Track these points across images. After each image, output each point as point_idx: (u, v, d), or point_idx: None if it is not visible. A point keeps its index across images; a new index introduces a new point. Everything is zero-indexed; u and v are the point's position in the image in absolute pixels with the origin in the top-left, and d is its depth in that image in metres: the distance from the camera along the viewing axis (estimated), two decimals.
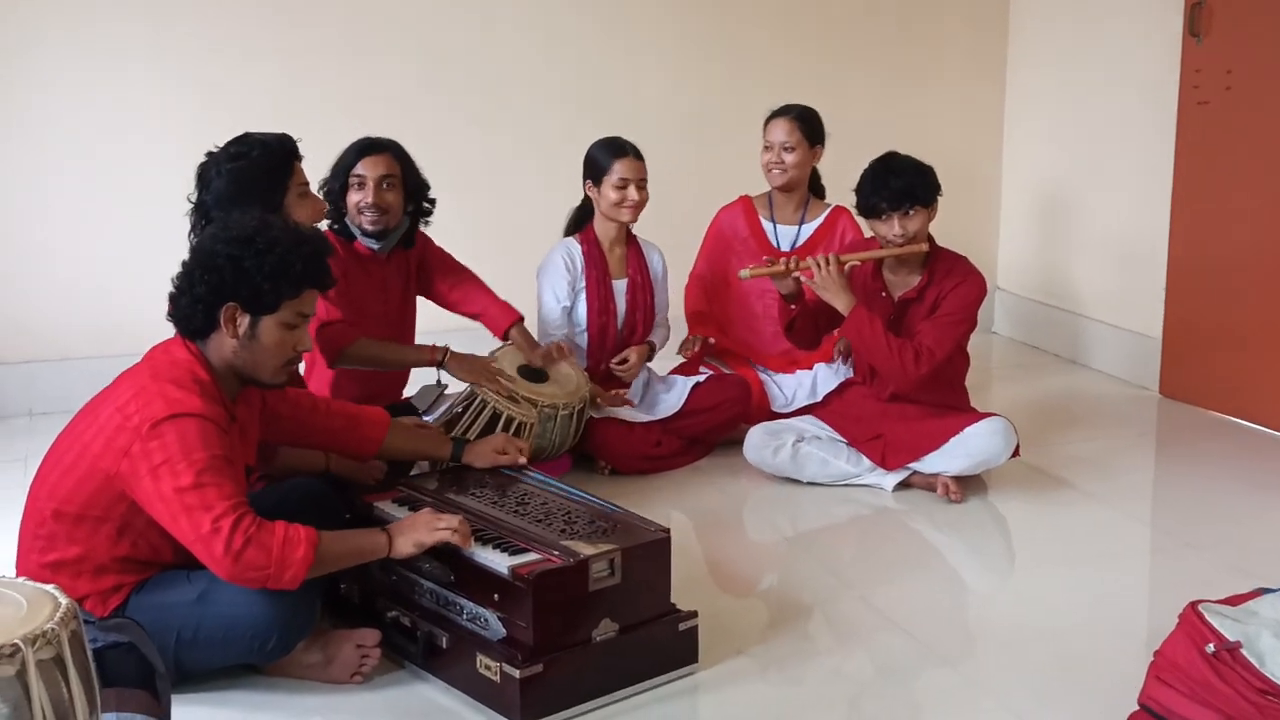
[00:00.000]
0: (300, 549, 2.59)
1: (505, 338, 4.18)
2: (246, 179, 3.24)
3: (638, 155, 4.29)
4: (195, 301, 2.70)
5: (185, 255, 2.82)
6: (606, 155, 4.28)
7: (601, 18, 5.50)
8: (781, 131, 4.58)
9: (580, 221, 4.42)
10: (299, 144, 3.38)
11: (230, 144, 3.32)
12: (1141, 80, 5.21)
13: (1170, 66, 5.00)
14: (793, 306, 4.14)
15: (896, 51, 5.91)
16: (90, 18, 4.88)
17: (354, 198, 3.86)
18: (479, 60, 5.35)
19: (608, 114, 5.27)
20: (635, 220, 4.36)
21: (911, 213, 3.93)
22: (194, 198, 3.33)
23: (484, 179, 5.36)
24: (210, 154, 3.33)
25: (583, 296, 4.37)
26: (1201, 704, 2.46)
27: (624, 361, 4.37)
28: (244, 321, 2.71)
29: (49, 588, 1.75)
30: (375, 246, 3.91)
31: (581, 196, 4.40)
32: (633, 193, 4.26)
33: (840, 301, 3.95)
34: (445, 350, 3.94)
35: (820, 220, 4.70)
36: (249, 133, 3.35)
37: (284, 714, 2.80)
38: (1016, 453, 4.04)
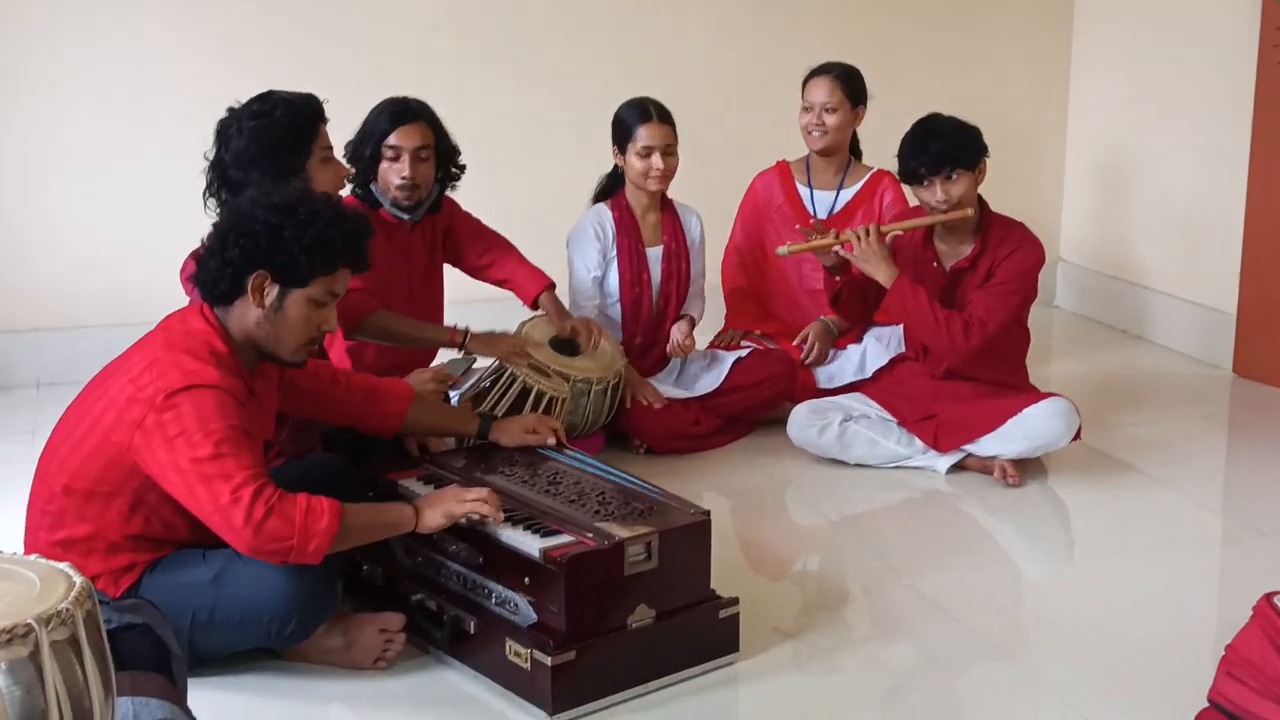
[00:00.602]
0: (324, 519, 2.61)
1: (535, 306, 4.19)
2: (268, 139, 3.25)
3: (664, 118, 4.26)
4: (225, 265, 2.72)
5: (207, 217, 2.84)
6: (630, 120, 4.26)
7: None
8: (822, 91, 4.55)
9: (610, 188, 4.41)
10: (325, 105, 3.39)
11: (253, 101, 3.33)
12: (1218, 37, 5.15)
13: (1249, 23, 4.93)
14: (838, 279, 4.13)
15: (953, 5, 5.86)
16: None
17: (387, 169, 3.83)
18: (510, 15, 5.35)
19: (646, 72, 5.24)
20: (663, 189, 4.34)
21: (954, 176, 3.90)
22: (211, 155, 3.34)
23: (515, 141, 5.36)
24: (231, 110, 3.34)
25: (614, 265, 4.37)
26: (1276, 701, 2.44)
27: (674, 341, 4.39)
28: (272, 292, 2.73)
29: (62, 566, 1.76)
30: (405, 218, 3.92)
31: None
32: (657, 161, 4.23)
33: (881, 273, 3.93)
34: (466, 331, 3.91)
35: (860, 185, 4.68)
36: (273, 90, 3.36)
37: (303, 700, 2.83)
38: (1078, 435, 4.02)
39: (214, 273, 2.75)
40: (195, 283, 2.82)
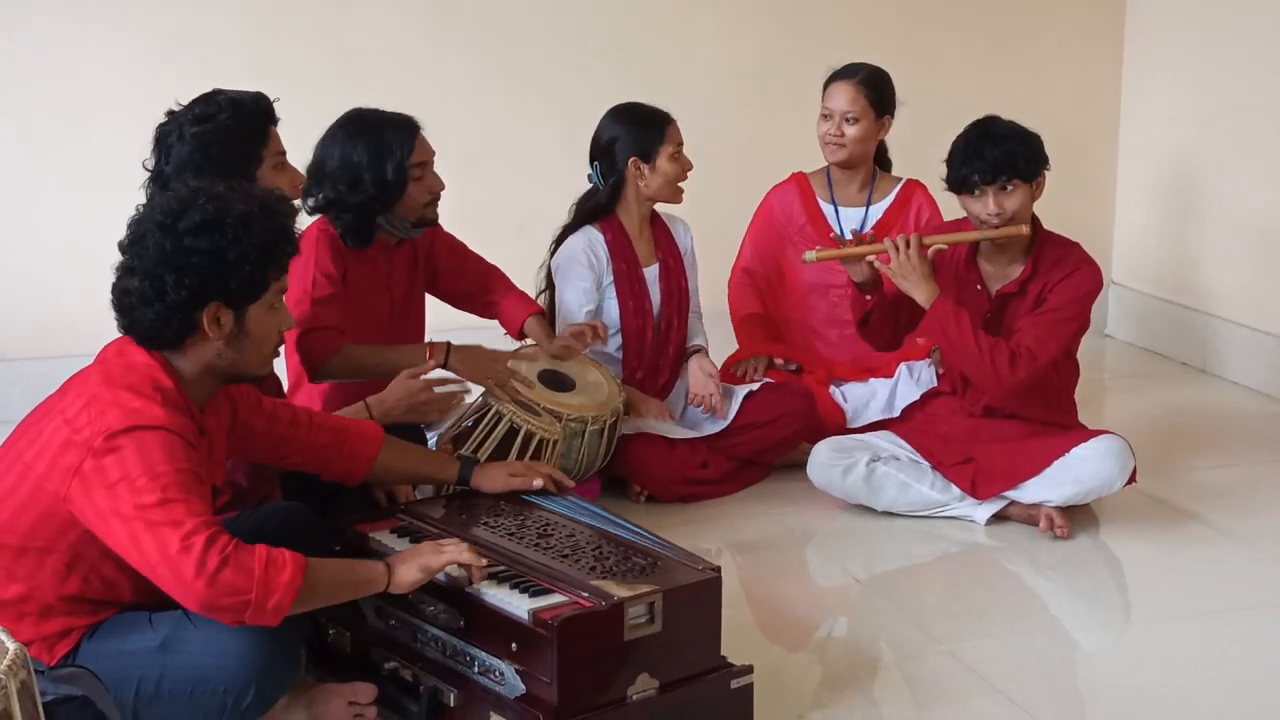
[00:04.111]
0: (287, 572, 2.60)
1: (521, 334, 4.20)
2: (214, 145, 3.27)
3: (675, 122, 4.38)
4: (170, 310, 2.69)
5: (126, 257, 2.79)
6: (655, 125, 4.31)
7: None
8: (843, 98, 4.58)
9: (599, 210, 4.41)
10: (275, 105, 3.41)
11: (195, 103, 3.35)
12: None
13: None
14: (868, 297, 4.13)
15: (996, 3, 5.90)
16: None
17: (416, 189, 3.83)
18: (493, 8, 5.38)
19: (646, 74, 5.30)
20: (680, 201, 4.41)
21: (1010, 188, 3.92)
22: (151, 165, 3.35)
23: (498, 151, 5.40)
24: (171, 114, 3.36)
25: (612, 293, 4.39)
26: None
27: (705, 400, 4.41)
28: (228, 319, 2.73)
29: None
30: (418, 235, 3.98)
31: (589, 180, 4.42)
32: (685, 164, 4.34)
33: (920, 292, 3.94)
34: (447, 346, 3.92)
35: (891, 198, 4.72)
36: (219, 90, 3.38)
37: None
38: (1133, 479, 4.04)
39: (156, 322, 2.71)
40: (131, 335, 2.80)
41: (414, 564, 2.84)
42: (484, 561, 2.87)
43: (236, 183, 2.88)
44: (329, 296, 3.77)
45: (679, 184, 4.35)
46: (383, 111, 3.87)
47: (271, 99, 3.42)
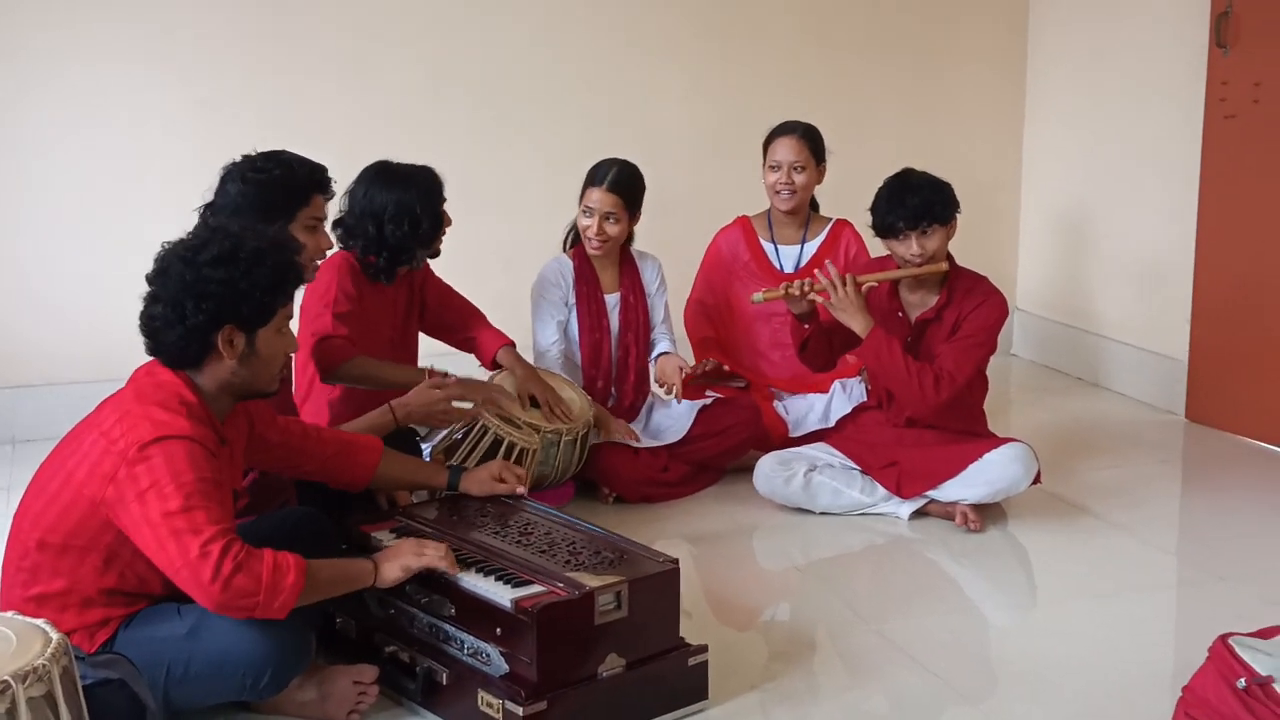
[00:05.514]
0: (290, 575, 2.61)
1: (493, 365, 4.19)
2: (258, 194, 3.26)
3: (616, 186, 4.29)
4: (190, 332, 2.70)
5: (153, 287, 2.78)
6: (587, 178, 4.34)
7: (613, 33, 5.54)
8: (790, 150, 4.59)
9: (576, 237, 4.46)
10: (333, 182, 3.41)
11: (260, 155, 3.36)
12: (1166, 93, 5.23)
13: (1196, 79, 5.01)
14: (806, 326, 4.14)
15: (913, 66, 5.94)
16: (89, 27, 4.90)
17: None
18: (486, 74, 5.39)
19: (619, 131, 5.30)
20: (600, 253, 4.37)
21: (929, 231, 3.94)
22: (207, 197, 3.35)
23: (489, 197, 5.38)
24: (242, 158, 3.36)
25: (575, 312, 4.40)
26: None
27: (670, 387, 4.38)
28: (240, 340, 2.73)
29: (39, 622, 1.75)
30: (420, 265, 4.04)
31: None
32: (594, 224, 4.29)
33: (857, 323, 3.95)
34: (444, 374, 3.93)
35: (823, 236, 4.72)
36: (285, 151, 3.39)
37: None
38: (1037, 479, 4.04)
39: (179, 342, 2.72)
40: (157, 356, 2.79)
41: (396, 563, 2.87)
42: (457, 569, 2.88)
43: (250, 225, 2.89)
44: (346, 313, 3.79)
45: (585, 236, 4.34)
46: (407, 164, 3.92)
47: (329, 174, 3.41)
